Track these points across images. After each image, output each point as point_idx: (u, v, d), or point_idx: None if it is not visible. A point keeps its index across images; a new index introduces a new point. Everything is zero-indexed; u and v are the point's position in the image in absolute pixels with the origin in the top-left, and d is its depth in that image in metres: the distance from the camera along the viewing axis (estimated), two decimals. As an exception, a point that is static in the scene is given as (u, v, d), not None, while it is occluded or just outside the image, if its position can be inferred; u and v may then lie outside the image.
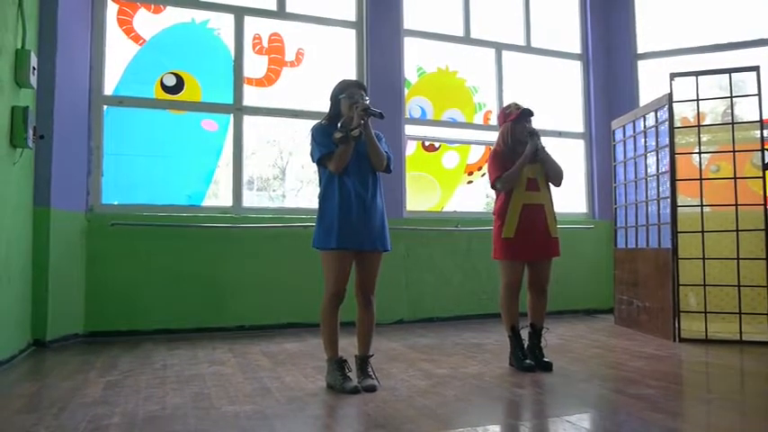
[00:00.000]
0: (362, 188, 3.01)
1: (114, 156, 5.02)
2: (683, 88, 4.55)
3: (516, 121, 3.56)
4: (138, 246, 4.81)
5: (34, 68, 3.92)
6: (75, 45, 4.68)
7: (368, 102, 3.06)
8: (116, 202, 4.99)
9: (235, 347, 4.29)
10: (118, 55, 5.10)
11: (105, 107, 5.01)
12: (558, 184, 3.63)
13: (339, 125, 3.00)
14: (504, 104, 3.75)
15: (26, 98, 4.00)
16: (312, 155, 3.09)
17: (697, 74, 4.54)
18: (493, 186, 3.62)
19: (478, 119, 6.30)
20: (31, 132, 3.82)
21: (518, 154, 3.53)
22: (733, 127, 4.44)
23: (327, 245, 2.97)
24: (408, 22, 6.01)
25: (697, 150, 4.55)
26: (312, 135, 3.09)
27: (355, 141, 2.93)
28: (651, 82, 6.55)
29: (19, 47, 3.85)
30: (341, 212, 2.96)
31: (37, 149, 4.19)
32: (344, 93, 3.08)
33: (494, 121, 6.27)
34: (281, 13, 5.60)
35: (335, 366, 2.99)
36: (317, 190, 3.16)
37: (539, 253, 3.52)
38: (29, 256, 4.15)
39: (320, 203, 3.08)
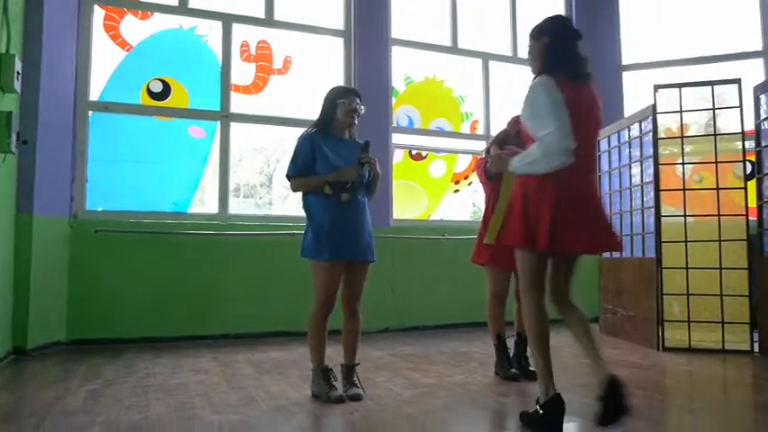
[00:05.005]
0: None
1: (99, 162, 4.97)
2: (667, 100, 4.61)
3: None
4: (122, 253, 4.76)
5: (19, 73, 3.88)
6: (61, 50, 4.64)
7: (363, 109, 3.09)
8: (100, 209, 4.94)
9: (220, 356, 4.25)
10: (104, 61, 5.07)
11: (91, 113, 4.97)
12: None
13: (330, 178, 2.93)
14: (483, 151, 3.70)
15: (10, 103, 3.96)
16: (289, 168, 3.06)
17: (680, 86, 4.60)
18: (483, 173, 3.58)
19: (465, 128, 6.34)
20: (14, 137, 3.77)
21: None
22: (715, 138, 4.50)
23: (319, 256, 2.95)
24: (396, 31, 6.03)
25: (680, 161, 4.61)
26: (295, 148, 3.05)
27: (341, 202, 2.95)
28: (635, 93, 6.63)
29: (3, 51, 3.81)
30: (332, 224, 2.94)
31: (20, 155, 4.15)
32: (343, 98, 3.05)
33: (480, 130, 6.31)
34: (269, 20, 5.60)
35: (321, 375, 2.98)
36: (302, 199, 3.12)
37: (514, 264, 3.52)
38: (10, 263, 4.10)
39: (309, 213, 3.04)
